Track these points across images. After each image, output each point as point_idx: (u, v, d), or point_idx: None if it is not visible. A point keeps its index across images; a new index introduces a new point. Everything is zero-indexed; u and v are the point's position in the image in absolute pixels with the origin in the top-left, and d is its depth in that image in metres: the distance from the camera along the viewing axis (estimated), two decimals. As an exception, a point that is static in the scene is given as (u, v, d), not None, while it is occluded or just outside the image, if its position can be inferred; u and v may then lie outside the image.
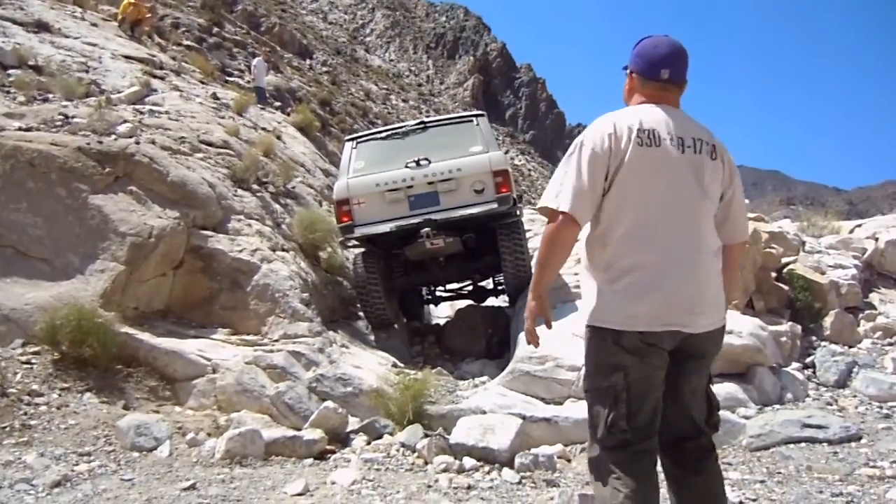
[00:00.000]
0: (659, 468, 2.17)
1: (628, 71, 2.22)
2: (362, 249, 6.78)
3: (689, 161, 2.05)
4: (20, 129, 6.03)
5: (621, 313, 2.00)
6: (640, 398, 2.01)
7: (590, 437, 2.13)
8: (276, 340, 5.50)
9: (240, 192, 6.84)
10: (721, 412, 2.41)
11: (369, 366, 5.55)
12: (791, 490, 3.40)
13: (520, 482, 3.62)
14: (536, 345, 2.19)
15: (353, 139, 6.85)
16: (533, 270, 7.46)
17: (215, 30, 27.44)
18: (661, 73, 2.11)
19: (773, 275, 6.03)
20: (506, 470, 3.77)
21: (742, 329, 4.96)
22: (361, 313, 6.88)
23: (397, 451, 4.05)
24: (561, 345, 5.11)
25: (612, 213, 2.05)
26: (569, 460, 4.04)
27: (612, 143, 2.02)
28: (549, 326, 2.18)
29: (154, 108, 8.43)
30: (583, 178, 2.01)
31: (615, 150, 2.02)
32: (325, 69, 46.58)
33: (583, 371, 2.11)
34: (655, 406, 2.06)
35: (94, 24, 12.23)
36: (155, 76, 10.41)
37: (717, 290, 2.09)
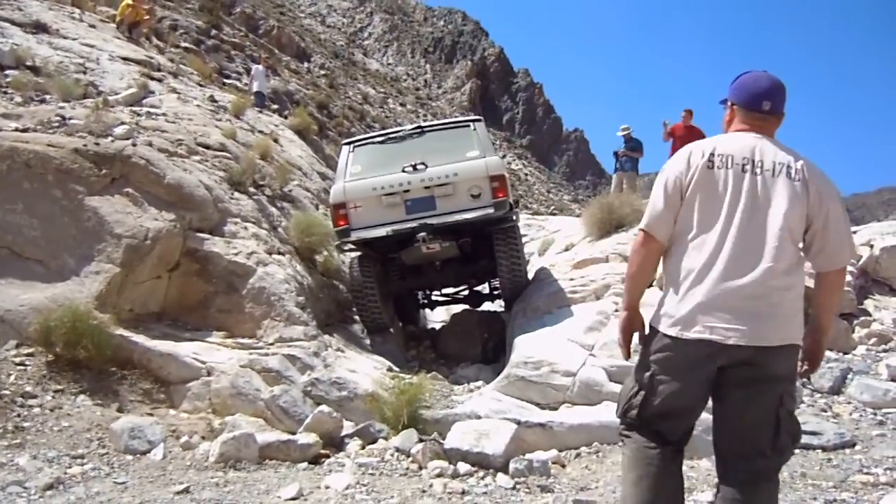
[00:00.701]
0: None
1: (728, 103, 2.33)
2: (358, 253, 6.79)
3: (761, 184, 2.13)
4: (17, 129, 6.02)
5: (665, 318, 2.19)
6: (660, 395, 2.17)
7: None
8: (272, 344, 5.49)
9: (236, 194, 6.83)
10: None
11: (364, 370, 5.55)
12: (785, 497, 3.40)
13: (514, 487, 3.62)
14: (627, 358, 2.39)
15: (350, 143, 6.86)
16: (529, 276, 7.36)
17: (213, 32, 27.49)
18: (762, 104, 2.23)
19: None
20: (500, 475, 3.78)
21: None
22: (357, 317, 6.87)
23: (392, 455, 4.05)
24: (556, 350, 5.12)
25: (678, 229, 2.24)
26: (563, 466, 4.04)
27: (685, 166, 2.21)
28: (641, 340, 2.35)
29: (151, 109, 8.42)
30: (659, 198, 2.23)
31: (686, 173, 2.20)
32: (322, 72, 46.58)
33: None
34: (673, 407, 2.18)
35: (93, 26, 12.20)
36: (152, 78, 10.38)
37: (773, 308, 2.07)
